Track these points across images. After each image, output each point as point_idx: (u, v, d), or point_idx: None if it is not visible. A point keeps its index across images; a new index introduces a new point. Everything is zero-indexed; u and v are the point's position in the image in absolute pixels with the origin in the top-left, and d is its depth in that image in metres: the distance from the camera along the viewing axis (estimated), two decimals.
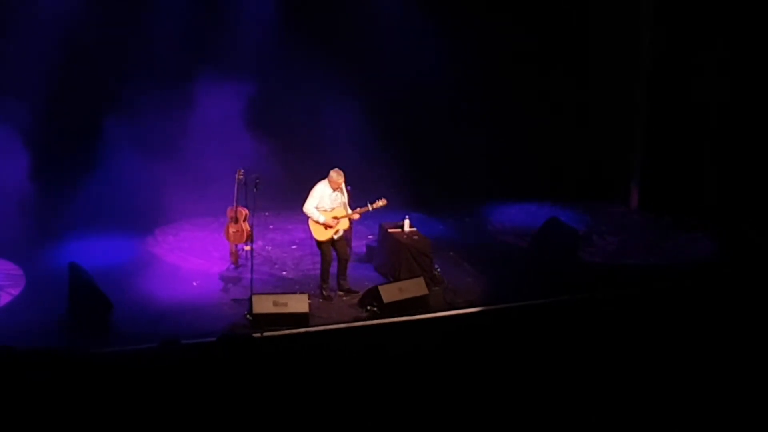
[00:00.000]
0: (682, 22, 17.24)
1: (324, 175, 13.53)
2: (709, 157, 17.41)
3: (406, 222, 14.62)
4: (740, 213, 16.58)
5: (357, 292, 13.64)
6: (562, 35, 18.10)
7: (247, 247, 14.22)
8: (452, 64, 17.60)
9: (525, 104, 17.93)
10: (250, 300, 12.82)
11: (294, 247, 15.74)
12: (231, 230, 14.37)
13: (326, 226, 13.40)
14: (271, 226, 16.46)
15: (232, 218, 14.33)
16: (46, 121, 15.51)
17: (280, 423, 9.33)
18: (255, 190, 13.53)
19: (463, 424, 9.59)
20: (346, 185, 13.61)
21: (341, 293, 13.72)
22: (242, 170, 14.17)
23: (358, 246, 15.30)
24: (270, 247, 15.65)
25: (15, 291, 13.58)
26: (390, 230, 14.60)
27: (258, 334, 12.15)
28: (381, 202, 13.57)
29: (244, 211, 14.25)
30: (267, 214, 16.30)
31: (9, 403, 9.27)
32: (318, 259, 13.81)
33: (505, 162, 17.80)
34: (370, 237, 15.66)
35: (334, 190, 13.44)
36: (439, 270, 14.39)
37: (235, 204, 14.28)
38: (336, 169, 13.45)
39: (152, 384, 9.56)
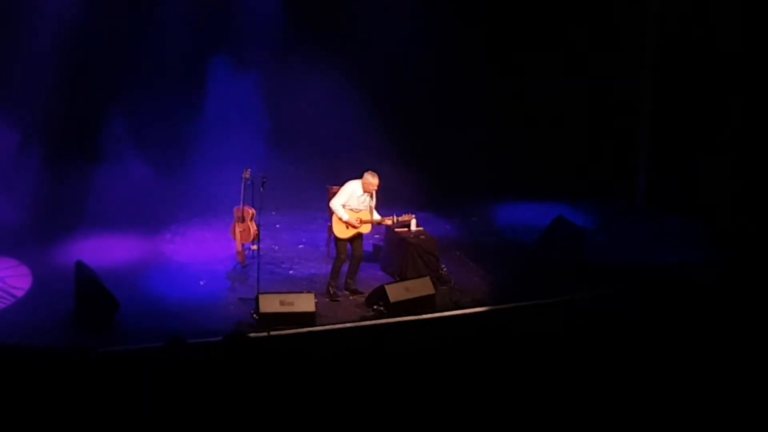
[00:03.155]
0: (686, 17, 17.22)
1: (330, 175, 13.53)
2: (717, 152, 17.34)
3: (413, 221, 14.61)
4: (745, 212, 16.53)
5: (362, 293, 13.63)
6: (566, 32, 18.06)
7: (254, 247, 14.22)
8: (458, 64, 17.62)
9: (530, 103, 17.92)
10: (256, 299, 12.80)
11: (301, 246, 15.75)
12: (238, 229, 14.38)
13: (348, 226, 13.39)
14: (277, 226, 16.47)
15: (238, 217, 14.34)
16: (52, 119, 15.54)
17: (287, 423, 9.33)
18: (262, 189, 13.52)
19: (469, 424, 9.58)
20: (378, 191, 13.58)
21: (347, 293, 13.72)
22: (249, 169, 14.18)
23: (365, 245, 15.26)
24: (277, 247, 15.65)
25: (20, 292, 13.61)
26: (397, 230, 14.58)
27: (264, 334, 12.15)
28: (408, 217, 13.68)
29: (251, 211, 14.25)
30: (274, 213, 16.31)
31: (16, 400, 9.28)
32: (324, 258, 13.80)
33: (511, 161, 17.78)
34: (376, 236, 15.64)
35: (365, 192, 13.43)
36: (445, 269, 14.38)
37: (242, 203, 14.28)
38: (371, 171, 13.42)
39: (158, 383, 9.56)
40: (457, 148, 17.81)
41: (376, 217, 13.56)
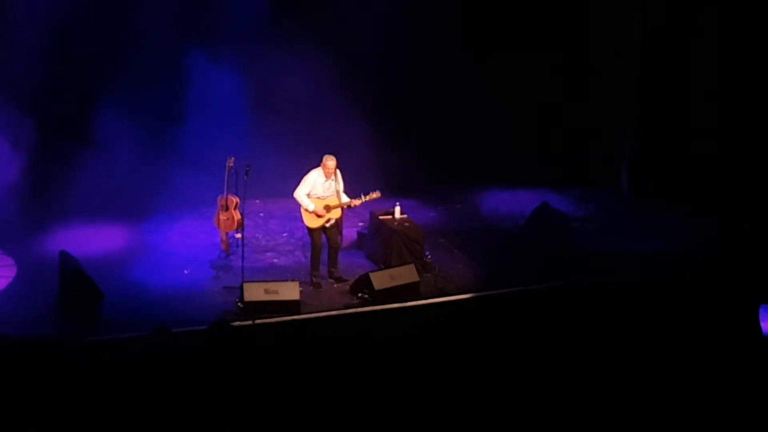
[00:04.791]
0: (676, 4, 17.26)
1: (315, 163, 13.52)
2: (702, 141, 17.38)
3: (397, 209, 14.62)
4: (730, 198, 16.59)
5: (347, 280, 13.66)
6: (553, 19, 18.05)
7: (238, 235, 14.21)
8: (442, 51, 17.60)
9: (516, 90, 17.91)
10: (241, 288, 12.82)
11: (285, 234, 15.75)
12: (222, 218, 14.36)
13: (316, 215, 13.39)
14: (261, 214, 16.47)
15: (222, 206, 14.32)
16: (37, 110, 15.48)
17: (272, 411, 9.35)
18: (245, 177, 13.51)
19: (454, 411, 9.61)
20: (339, 170, 13.57)
21: (332, 281, 13.73)
22: (232, 158, 14.16)
23: (349, 233, 15.30)
24: (261, 235, 15.65)
25: (4, 281, 13.58)
26: (381, 217, 14.60)
27: (249, 322, 12.15)
28: (375, 194, 13.56)
29: (235, 199, 14.23)
30: (257, 201, 16.30)
31: (2, 390, 9.27)
32: (309, 246, 13.81)
33: (496, 149, 17.79)
34: (360, 224, 15.66)
35: (328, 178, 13.41)
36: (430, 257, 14.40)
37: (225, 192, 14.26)
38: (327, 154, 13.43)
39: (143, 372, 9.56)
40: (442, 135, 17.80)
41: (345, 200, 13.53)
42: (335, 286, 13.66)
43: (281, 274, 13.90)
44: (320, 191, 13.41)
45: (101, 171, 15.51)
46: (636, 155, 18.13)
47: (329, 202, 13.44)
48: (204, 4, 16.40)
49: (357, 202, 13.56)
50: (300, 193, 13.39)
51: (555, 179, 17.88)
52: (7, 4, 15.34)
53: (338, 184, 13.50)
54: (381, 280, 13.18)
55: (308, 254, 13.90)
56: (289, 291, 12.82)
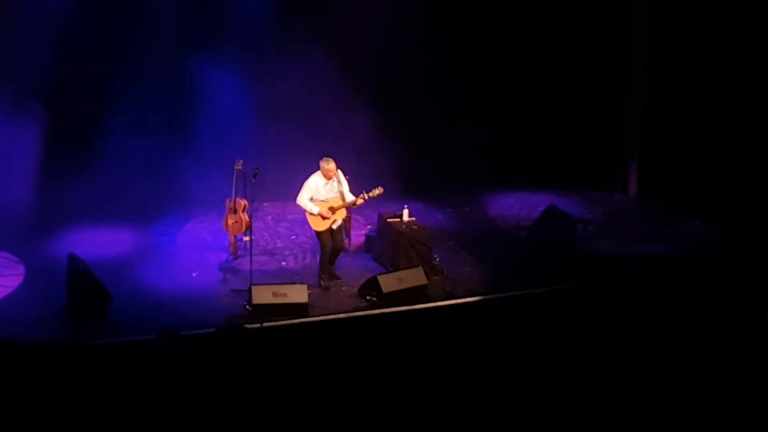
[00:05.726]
0: (680, 5, 17.21)
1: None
2: (708, 144, 17.35)
3: (405, 212, 14.61)
4: (736, 201, 16.54)
5: (339, 279, 13.70)
6: (558, 21, 18.03)
7: (246, 238, 14.22)
8: (448, 52, 17.58)
9: (523, 92, 17.88)
10: (249, 290, 12.82)
11: (293, 237, 15.74)
12: (230, 221, 14.38)
13: (322, 217, 13.39)
14: (269, 217, 16.47)
15: (230, 209, 14.33)
16: (44, 112, 15.49)
17: (280, 414, 9.34)
18: (254, 180, 13.52)
19: (462, 414, 9.60)
20: (344, 173, 13.60)
21: (339, 281, 13.72)
22: (241, 161, 14.18)
23: (358, 236, 15.31)
24: (269, 238, 15.65)
25: (12, 284, 13.59)
26: (389, 220, 14.59)
27: (257, 325, 12.16)
28: (377, 191, 13.54)
29: (243, 202, 14.25)
30: (266, 204, 16.32)
31: (10, 394, 9.28)
32: (317, 249, 13.82)
33: (503, 151, 17.76)
34: (369, 227, 15.65)
35: (328, 180, 13.41)
36: (438, 259, 14.39)
37: (233, 195, 14.27)
38: (324, 158, 13.42)
39: (151, 375, 9.57)
40: (450, 137, 17.78)
41: (349, 199, 13.53)
42: (343, 288, 13.65)
43: (289, 277, 13.90)
44: (323, 194, 13.41)
45: (109, 174, 15.53)
46: (643, 157, 18.09)
47: (333, 203, 13.44)
48: (210, 8, 16.40)
49: (360, 200, 13.56)
50: (302, 199, 13.40)
51: (562, 182, 17.84)
52: (13, 10, 15.34)
53: (341, 185, 13.50)
54: (389, 282, 13.17)
55: (316, 257, 13.90)
56: (298, 294, 12.82)
